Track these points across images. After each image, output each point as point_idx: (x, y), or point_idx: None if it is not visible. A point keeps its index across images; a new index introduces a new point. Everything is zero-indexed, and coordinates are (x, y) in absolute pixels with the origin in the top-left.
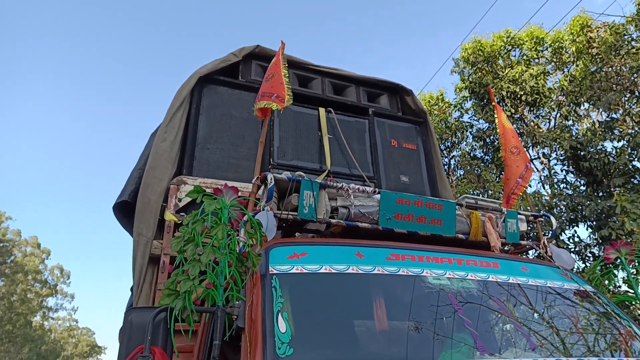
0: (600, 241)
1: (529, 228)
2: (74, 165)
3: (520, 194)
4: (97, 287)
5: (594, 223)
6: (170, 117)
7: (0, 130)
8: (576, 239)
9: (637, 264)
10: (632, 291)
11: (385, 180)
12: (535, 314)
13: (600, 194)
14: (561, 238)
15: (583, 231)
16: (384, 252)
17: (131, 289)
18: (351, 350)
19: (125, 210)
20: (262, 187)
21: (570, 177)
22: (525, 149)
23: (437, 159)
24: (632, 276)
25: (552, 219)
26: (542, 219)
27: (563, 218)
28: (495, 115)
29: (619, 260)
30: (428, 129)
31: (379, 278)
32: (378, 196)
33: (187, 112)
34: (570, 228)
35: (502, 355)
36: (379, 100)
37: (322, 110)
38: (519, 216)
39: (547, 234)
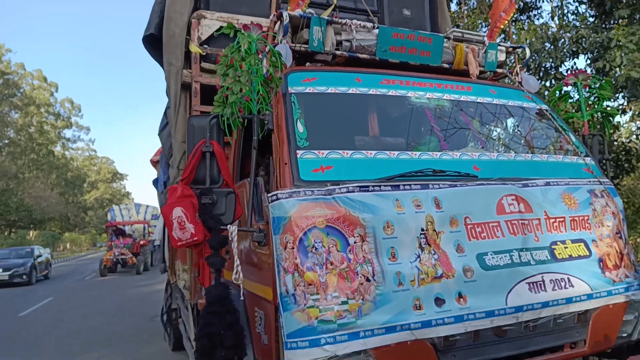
0: (595, 72)
1: (509, 59)
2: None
3: (502, 26)
4: (110, 120)
5: (593, 54)
6: None
7: None
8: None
9: (589, 88)
10: (580, 111)
11: (388, 14)
12: (492, 124)
13: (606, 25)
14: (560, 69)
15: (582, 63)
16: (378, 77)
17: (165, 113)
18: (348, 144)
19: (153, 43)
20: (278, 23)
21: (582, 9)
22: None
23: None
24: (583, 97)
25: (527, 49)
26: (519, 50)
27: (565, 50)
28: None
29: (575, 85)
30: None
31: (372, 97)
32: (377, 31)
33: None
34: (571, 60)
35: (457, 151)
36: None
37: None
38: (498, 47)
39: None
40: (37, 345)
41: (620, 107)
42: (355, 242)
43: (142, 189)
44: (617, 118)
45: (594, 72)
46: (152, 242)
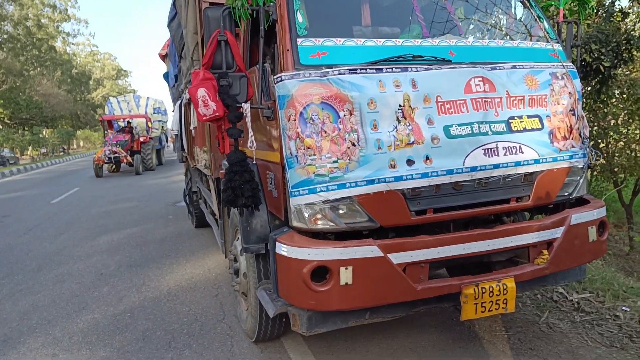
0: None
1: None
2: None
3: None
4: (108, 12)
5: None
6: None
7: None
8: None
9: None
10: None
11: None
12: (473, 13)
13: None
14: None
15: None
16: None
17: (173, 4)
18: (341, 32)
19: None
20: None
21: None
22: None
23: None
24: None
25: None
26: None
27: None
28: None
29: None
30: None
31: None
32: None
33: None
34: None
35: (437, 38)
36: None
37: None
38: None
39: None
40: (73, 224)
41: None
42: (344, 115)
43: (147, 85)
44: (624, 2)
45: None
46: (156, 139)
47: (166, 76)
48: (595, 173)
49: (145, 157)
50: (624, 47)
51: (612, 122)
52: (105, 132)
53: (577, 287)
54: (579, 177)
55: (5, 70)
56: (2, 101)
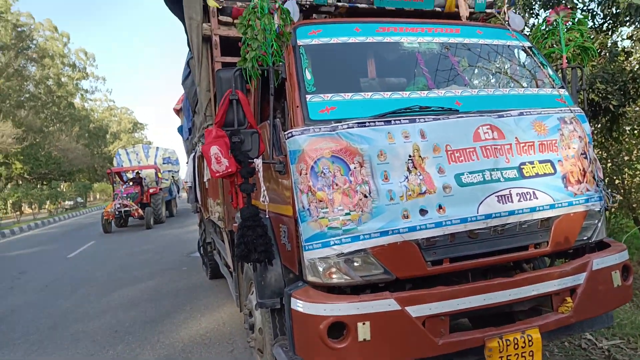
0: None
1: None
2: None
3: None
4: (125, 69)
5: None
6: None
7: None
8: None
9: (569, 24)
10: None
11: None
12: (477, 63)
13: None
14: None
15: None
16: (375, 26)
17: (187, 63)
18: (349, 87)
19: (174, 1)
20: None
21: None
22: None
23: None
24: (563, 33)
25: None
26: None
27: None
28: None
29: (556, 22)
30: None
31: (370, 44)
32: None
33: None
34: None
35: (443, 89)
36: None
37: None
38: None
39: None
40: (89, 279)
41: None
42: (355, 168)
43: (163, 137)
44: (626, 42)
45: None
46: (166, 190)
47: (180, 129)
48: (613, 210)
49: (155, 209)
50: (631, 86)
51: (626, 158)
52: (114, 184)
53: (606, 333)
54: (596, 221)
55: (26, 127)
56: (22, 157)
